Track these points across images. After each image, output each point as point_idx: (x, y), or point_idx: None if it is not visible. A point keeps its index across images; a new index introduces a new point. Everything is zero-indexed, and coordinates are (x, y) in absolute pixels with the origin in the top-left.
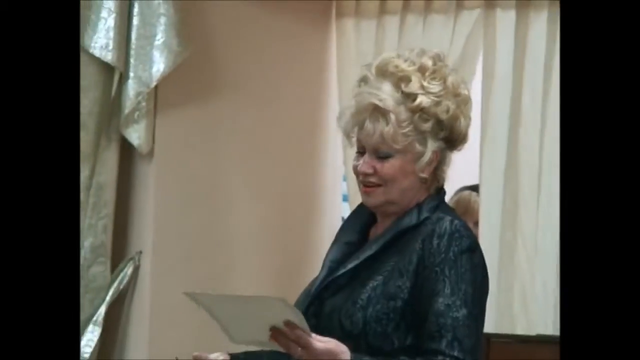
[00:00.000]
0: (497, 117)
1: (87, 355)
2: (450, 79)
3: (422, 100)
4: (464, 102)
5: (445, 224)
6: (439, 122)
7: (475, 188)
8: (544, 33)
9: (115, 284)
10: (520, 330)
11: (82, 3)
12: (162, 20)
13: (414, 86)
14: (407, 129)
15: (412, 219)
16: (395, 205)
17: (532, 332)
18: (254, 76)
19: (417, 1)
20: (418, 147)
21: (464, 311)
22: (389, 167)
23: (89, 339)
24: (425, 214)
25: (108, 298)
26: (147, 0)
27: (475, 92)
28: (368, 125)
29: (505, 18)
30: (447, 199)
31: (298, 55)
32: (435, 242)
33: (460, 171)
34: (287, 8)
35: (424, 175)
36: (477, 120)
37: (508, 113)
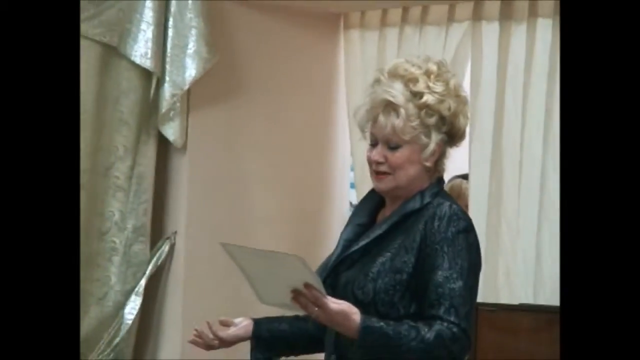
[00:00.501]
0: (483, 115)
1: (129, 322)
2: (452, 82)
3: (428, 98)
4: (463, 102)
5: (444, 208)
6: (442, 118)
7: (465, 177)
8: (523, 42)
9: (154, 260)
10: (504, 300)
11: (123, 17)
12: (193, 31)
13: (421, 86)
14: (414, 123)
15: (416, 204)
16: (403, 190)
17: (515, 301)
18: (272, 79)
19: (414, 14)
20: (423, 139)
21: (459, 283)
22: (398, 156)
23: (132, 308)
24: (427, 199)
25: (147, 272)
26: (180, 15)
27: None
28: (381, 119)
29: (490, 29)
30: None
31: (310, 61)
32: (436, 223)
33: (453, 162)
34: (301, 20)
35: (428, 164)
36: None
37: (493, 111)
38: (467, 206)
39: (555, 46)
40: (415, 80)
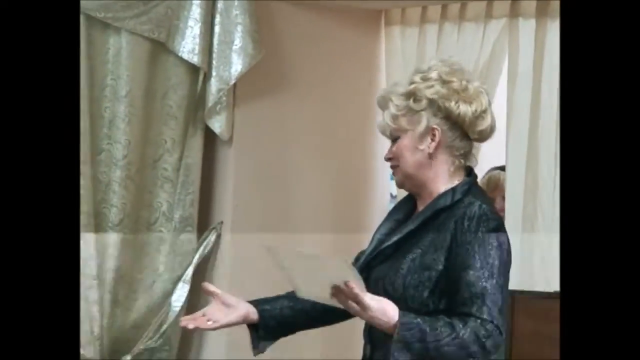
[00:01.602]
0: (520, 108)
1: (177, 309)
2: (439, 71)
3: (415, 85)
4: (456, 89)
5: (474, 208)
6: (431, 102)
7: (503, 168)
8: (558, 37)
9: (201, 249)
10: (540, 288)
11: (172, 14)
12: (239, 28)
13: (410, 78)
14: (403, 111)
15: (447, 200)
16: (414, 180)
17: (550, 289)
18: (315, 74)
19: (453, 10)
20: (417, 126)
21: (492, 281)
22: (397, 146)
23: (179, 295)
24: (458, 196)
25: (194, 260)
26: (226, 12)
27: (501, 88)
28: (380, 118)
29: (527, 26)
30: (480, 177)
31: (353, 56)
32: (466, 223)
33: (490, 154)
34: (343, 17)
35: (428, 150)
36: (503, 111)
37: (529, 105)
38: (503, 197)
39: None
40: (408, 79)
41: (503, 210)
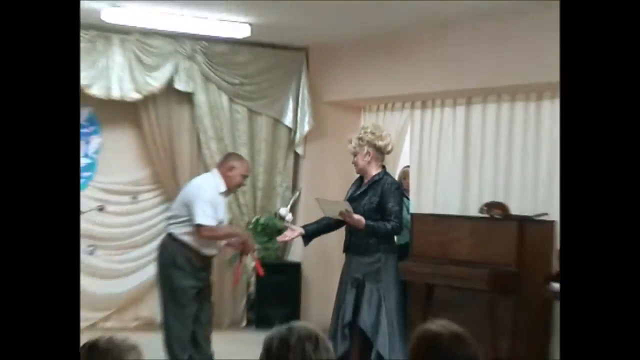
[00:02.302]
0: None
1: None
2: (371, 129)
3: (361, 134)
4: (377, 136)
5: (390, 179)
6: (368, 141)
7: (408, 166)
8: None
9: (292, 199)
10: (429, 211)
11: (282, 106)
12: (307, 113)
13: (359, 131)
14: (356, 144)
15: (378, 177)
16: (363, 171)
17: (432, 212)
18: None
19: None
20: (363, 150)
21: (397, 207)
22: (356, 158)
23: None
24: (381, 175)
25: (290, 202)
26: (302, 105)
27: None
28: (350, 146)
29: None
30: (398, 170)
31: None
32: (387, 185)
33: (403, 160)
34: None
35: (367, 159)
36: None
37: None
38: (407, 179)
39: None
40: (359, 132)
41: (407, 185)
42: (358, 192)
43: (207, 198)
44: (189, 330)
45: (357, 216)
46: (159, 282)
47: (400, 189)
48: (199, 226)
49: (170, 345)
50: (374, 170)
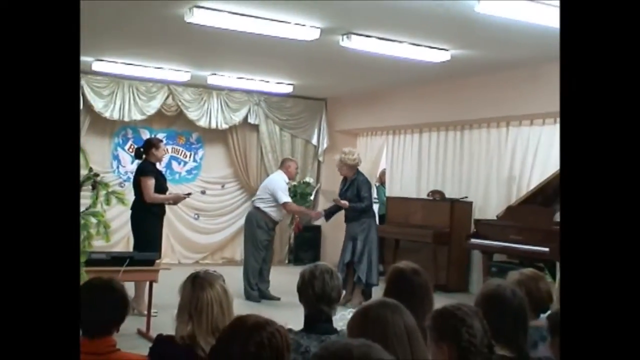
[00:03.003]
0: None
1: None
2: (345, 152)
3: (341, 156)
4: (351, 157)
5: (362, 177)
6: (344, 160)
7: (384, 170)
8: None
9: (314, 192)
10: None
11: (309, 129)
12: (325, 133)
13: (340, 154)
14: (339, 162)
15: (355, 176)
16: (346, 174)
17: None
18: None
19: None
20: (344, 165)
21: (368, 192)
22: (339, 169)
23: None
24: (356, 175)
25: (313, 194)
26: (323, 128)
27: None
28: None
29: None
30: (378, 172)
31: None
32: (359, 182)
33: (383, 165)
34: None
35: (345, 169)
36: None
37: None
38: (384, 177)
39: None
40: (343, 155)
41: (384, 180)
42: (344, 188)
43: (283, 186)
44: (259, 266)
45: (343, 202)
46: (246, 235)
47: (369, 182)
48: (285, 203)
49: (247, 275)
50: (351, 174)
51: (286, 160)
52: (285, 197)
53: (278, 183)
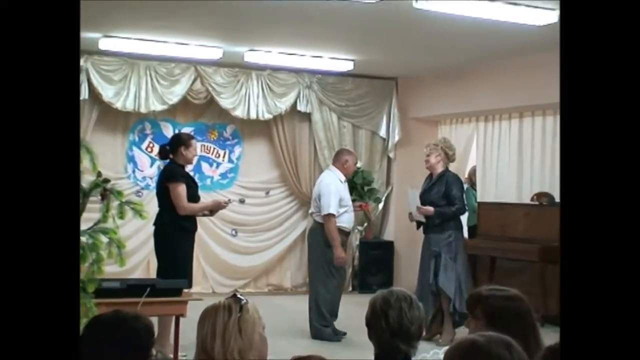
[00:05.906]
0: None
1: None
2: (444, 143)
3: (438, 143)
4: (449, 147)
5: (451, 174)
6: (441, 148)
7: (474, 167)
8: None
9: (386, 192)
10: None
11: (377, 120)
12: (397, 125)
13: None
14: (428, 150)
15: (443, 173)
16: (431, 169)
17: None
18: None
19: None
20: (436, 152)
21: (460, 193)
22: (428, 157)
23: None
24: (445, 171)
25: (385, 193)
26: (393, 121)
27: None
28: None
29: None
30: (467, 170)
31: None
32: (449, 178)
33: (473, 162)
34: None
35: (438, 160)
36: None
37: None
38: (473, 178)
39: None
40: (435, 140)
41: (474, 180)
42: (429, 185)
43: (333, 189)
44: (332, 296)
45: (425, 208)
46: (311, 257)
47: (460, 180)
48: (328, 215)
49: (318, 308)
50: (440, 168)
51: (342, 152)
52: (331, 206)
53: (327, 185)
